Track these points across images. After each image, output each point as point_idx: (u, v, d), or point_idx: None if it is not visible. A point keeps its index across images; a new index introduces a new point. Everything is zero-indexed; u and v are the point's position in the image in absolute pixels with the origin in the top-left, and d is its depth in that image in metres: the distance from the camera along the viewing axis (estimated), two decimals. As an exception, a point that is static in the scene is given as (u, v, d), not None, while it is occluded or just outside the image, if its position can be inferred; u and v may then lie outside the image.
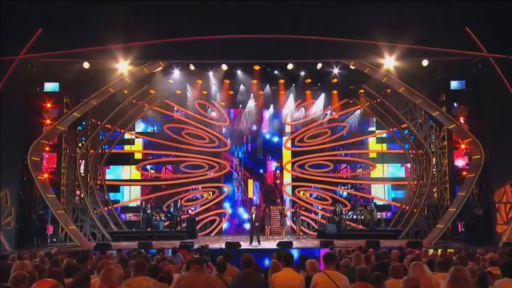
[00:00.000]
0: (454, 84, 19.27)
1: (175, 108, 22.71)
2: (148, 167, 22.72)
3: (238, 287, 5.63)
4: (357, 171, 22.87)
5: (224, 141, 22.83)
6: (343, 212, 20.24)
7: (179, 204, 20.44)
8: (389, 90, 20.68)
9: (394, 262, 6.72)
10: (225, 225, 22.43)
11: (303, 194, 22.61)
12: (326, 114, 23.01)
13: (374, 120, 22.54)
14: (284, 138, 22.98)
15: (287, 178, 22.89)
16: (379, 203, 21.63)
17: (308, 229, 21.93)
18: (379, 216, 20.95)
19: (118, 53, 16.25)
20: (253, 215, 17.76)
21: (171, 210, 20.01)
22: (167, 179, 22.75)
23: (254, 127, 22.95)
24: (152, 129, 22.85)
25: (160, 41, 16.04)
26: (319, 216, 22.37)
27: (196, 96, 22.20)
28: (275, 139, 23.03)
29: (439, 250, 11.73)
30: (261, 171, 22.87)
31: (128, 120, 21.47)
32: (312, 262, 5.95)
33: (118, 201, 21.97)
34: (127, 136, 22.21)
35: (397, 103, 20.58)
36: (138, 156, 22.54)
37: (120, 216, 21.63)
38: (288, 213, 21.48)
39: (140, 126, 22.68)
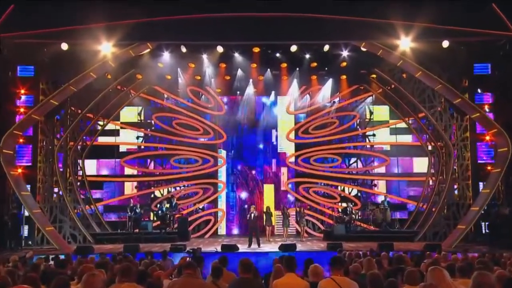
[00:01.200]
0: (478, 68, 19.24)
1: (165, 95, 22.69)
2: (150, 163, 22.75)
3: (235, 294, 5.62)
4: (369, 165, 22.91)
5: (220, 132, 22.85)
6: (353, 212, 20.27)
7: (173, 202, 20.47)
8: (404, 75, 20.65)
9: (410, 267, 6.77)
10: (222, 226, 22.55)
11: (308, 191, 22.67)
12: (334, 102, 23.00)
13: (388, 108, 22.53)
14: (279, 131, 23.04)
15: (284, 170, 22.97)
16: (393, 201, 21.71)
17: (314, 230, 22.01)
18: (393, 216, 21.01)
19: (100, 33, 16.15)
20: (252, 215, 17.79)
21: (163, 209, 20.02)
22: (156, 174, 22.82)
23: (253, 116, 23.05)
24: (139, 118, 22.89)
25: (148, 19, 15.94)
26: (326, 216, 22.42)
27: (189, 82, 22.17)
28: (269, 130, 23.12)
29: (461, 254, 11.73)
30: (254, 172, 22.94)
31: (112, 108, 21.44)
32: (317, 266, 5.93)
33: (101, 199, 22.04)
34: (111, 126, 22.25)
35: (413, 89, 20.55)
36: (124, 149, 22.61)
37: (104, 215, 21.70)
38: (292, 213, 21.51)
39: (125, 115, 22.72)
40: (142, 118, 22.82)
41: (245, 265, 5.74)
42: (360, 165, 23.05)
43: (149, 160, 22.83)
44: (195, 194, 22.61)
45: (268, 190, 22.94)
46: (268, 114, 23.07)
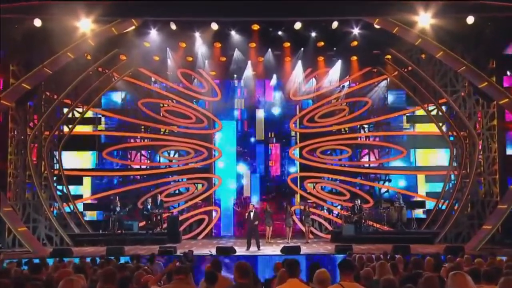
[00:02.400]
0: (507, 48, 19.16)
1: (153, 79, 22.65)
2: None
3: (232, 302, 5.63)
4: (383, 157, 22.94)
5: (215, 120, 22.86)
6: (364, 210, 20.30)
7: (158, 200, 20.52)
8: (423, 56, 20.59)
9: (428, 272, 6.74)
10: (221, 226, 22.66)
11: (314, 187, 22.68)
12: (343, 86, 22.98)
13: (404, 94, 22.50)
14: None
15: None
16: (410, 198, 21.77)
17: (320, 231, 22.07)
18: (410, 215, 21.05)
19: (78, 7, 16.04)
20: (251, 213, 17.82)
21: (148, 207, 20.05)
22: (142, 168, 22.76)
23: (253, 100, 23.11)
24: (123, 105, 22.85)
25: (133, -8, 15.92)
26: (334, 215, 22.47)
27: (179, 64, 22.12)
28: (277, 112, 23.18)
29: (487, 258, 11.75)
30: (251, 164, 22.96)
31: (93, 93, 21.38)
32: (323, 272, 5.92)
33: (81, 196, 22.06)
34: (90, 113, 22.23)
35: (433, 72, 20.51)
36: (106, 139, 22.64)
37: (84, 214, 21.72)
38: (296, 211, 21.60)
39: (108, 101, 22.68)
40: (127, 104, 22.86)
41: (242, 269, 5.72)
42: (372, 157, 23.06)
43: (134, 152, 22.83)
44: (187, 191, 22.65)
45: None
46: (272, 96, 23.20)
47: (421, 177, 22.63)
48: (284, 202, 21.04)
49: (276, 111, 23.25)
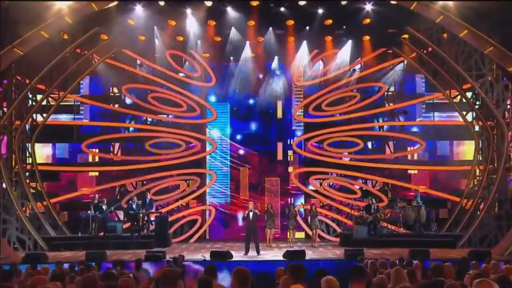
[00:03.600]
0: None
1: (138, 62, 22.60)
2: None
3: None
4: (399, 150, 22.90)
5: (209, 108, 22.83)
6: (378, 210, 20.29)
7: (147, 199, 20.52)
8: (445, 35, 20.46)
9: (450, 280, 6.75)
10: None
11: (321, 184, 22.67)
12: (354, 70, 22.94)
13: (423, 78, 22.39)
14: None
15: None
16: (429, 196, 21.72)
17: (328, 234, 22.12)
18: (429, 215, 20.98)
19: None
20: (251, 214, 17.80)
21: (134, 206, 20.03)
22: (127, 162, 22.75)
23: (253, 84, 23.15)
24: (104, 91, 22.81)
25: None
26: (344, 216, 22.48)
27: (168, 45, 22.09)
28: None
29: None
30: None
31: (70, 78, 21.29)
32: (331, 280, 5.90)
33: (57, 194, 22.04)
34: (67, 101, 22.17)
35: (457, 53, 20.34)
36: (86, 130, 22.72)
37: (61, 215, 21.67)
38: (300, 211, 21.61)
39: (87, 87, 22.64)
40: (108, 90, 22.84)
41: (241, 276, 5.71)
42: (387, 150, 23.04)
43: (117, 145, 22.82)
44: (177, 188, 22.61)
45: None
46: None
47: (442, 173, 22.64)
48: (289, 199, 21.05)
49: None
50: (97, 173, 22.85)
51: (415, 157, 23.20)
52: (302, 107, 23.18)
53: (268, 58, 22.88)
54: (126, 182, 22.52)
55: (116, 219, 21.59)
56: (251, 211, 17.86)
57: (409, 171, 22.96)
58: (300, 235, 21.95)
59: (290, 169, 23.19)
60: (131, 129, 23.26)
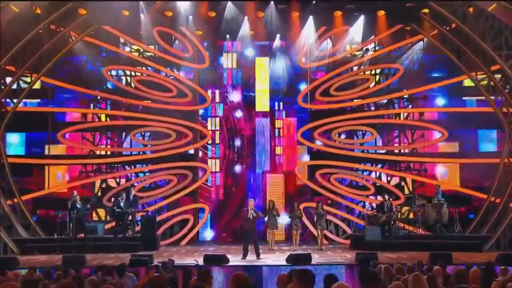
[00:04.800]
0: None
1: (121, 40, 22.56)
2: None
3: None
4: (418, 140, 22.83)
5: (202, 93, 22.76)
6: (393, 208, 20.21)
7: (131, 196, 20.43)
8: (471, 9, 20.43)
9: (475, 286, 6.66)
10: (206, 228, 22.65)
11: (329, 179, 22.59)
12: (367, 49, 22.92)
13: (446, 59, 22.20)
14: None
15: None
16: (451, 193, 21.63)
17: (337, 235, 22.10)
18: (452, 214, 20.81)
19: None
20: (251, 213, 17.67)
21: (120, 204, 19.91)
22: (109, 155, 22.72)
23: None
24: (83, 73, 22.62)
25: None
26: (355, 215, 22.47)
27: (155, 21, 22.02)
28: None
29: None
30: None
31: (44, 58, 21.16)
32: (342, 286, 5.85)
33: (31, 191, 21.95)
34: (41, 84, 22.09)
35: (484, 30, 20.30)
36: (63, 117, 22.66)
37: (36, 214, 21.61)
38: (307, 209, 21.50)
39: (63, 69, 22.49)
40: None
41: (239, 282, 5.71)
42: (404, 141, 22.99)
43: (99, 135, 22.75)
44: (167, 183, 22.59)
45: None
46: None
47: (466, 166, 22.48)
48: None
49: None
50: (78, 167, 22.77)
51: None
52: (308, 92, 23.04)
53: (269, 37, 22.83)
54: (108, 177, 22.43)
55: (96, 218, 21.47)
56: (251, 210, 17.75)
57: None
58: (279, 236, 21.74)
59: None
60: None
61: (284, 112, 23.75)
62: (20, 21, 19.04)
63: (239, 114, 23.54)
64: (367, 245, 18.60)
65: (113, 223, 20.27)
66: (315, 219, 20.25)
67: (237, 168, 23.47)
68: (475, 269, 9.01)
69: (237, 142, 23.54)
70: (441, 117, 22.92)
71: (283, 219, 21.32)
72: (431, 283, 7.41)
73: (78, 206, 19.52)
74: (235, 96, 23.65)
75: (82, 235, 19.39)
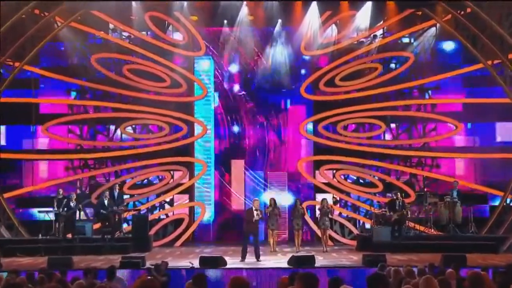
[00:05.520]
0: None
1: (111, 26, 22.56)
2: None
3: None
4: (430, 134, 22.80)
5: (198, 83, 22.75)
6: (404, 207, 20.17)
7: (115, 193, 20.42)
8: (487, -8, 20.40)
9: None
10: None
11: (334, 175, 22.60)
12: (375, 36, 22.89)
13: (460, 46, 22.31)
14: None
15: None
16: (465, 190, 21.54)
17: (343, 236, 22.11)
18: (466, 213, 20.74)
19: None
20: (257, 214, 17.50)
21: (104, 202, 19.92)
22: (98, 149, 22.73)
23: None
24: (69, 62, 22.63)
25: None
26: (361, 214, 22.50)
27: (148, 5, 22.01)
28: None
29: None
30: None
31: (27, 45, 21.18)
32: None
33: (14, 187, 21.98)
34: (24, 73, 22.04)
35: (502, 15, 20.36)
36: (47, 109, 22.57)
37: (18, 213, 21.65)
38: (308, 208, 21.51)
39: (48, 57, 22.56)
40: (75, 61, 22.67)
41: (238, 286, 5.75)
42: (415, 134, 22.96)
43: (86, 127, 22.75)
44: (159, 181, 22.63)
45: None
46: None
47: (481, 161, 22.59)
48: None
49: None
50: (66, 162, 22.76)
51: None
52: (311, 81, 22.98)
53: (269, 22, 22.81)
54: (96, 173, 22.48)
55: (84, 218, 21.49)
56: (256, 210, 17.62)
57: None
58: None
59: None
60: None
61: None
62: (1, 5, 18.99)
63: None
64: (375, 246, 18.57)
65: (100, 224, 20.23)
66: (319, 218, 20.22)
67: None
68: (493, 272, 9.00)
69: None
70: (455, 109, 22.84)
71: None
72: (443, 287, 7.40)
73: (71, 205, 19.50)
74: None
75: (70, 235, 19.34)
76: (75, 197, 19.89)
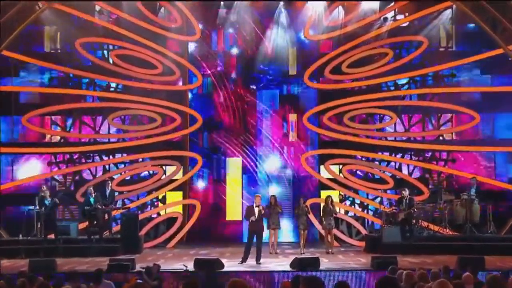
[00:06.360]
0: None
1: (97, 8, 22.50)
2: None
3: None
4: (445, 126, 22.84)
5: (192, 70, 22.77)
6: (416, 205, 20.17)
7: (107, 190, 20.42)
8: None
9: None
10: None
11: (340, 171, 22.64)
12: (386, 19, 22.82)
13: (478, 30, 22.23)
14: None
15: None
16: (484, 187, 21.57)
17: (350, 236, 22.15)
18: (484, 212, 20.78)
19: None
20: (256, 209, 17.40)
21: (91, 200, 19.91)
22: (83, 142, 22.76)
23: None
24: (52, 47, 22.72)
25: None
26: (370, 213, 22.55)
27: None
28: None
29: None
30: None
31: (6, 29, 21.11)
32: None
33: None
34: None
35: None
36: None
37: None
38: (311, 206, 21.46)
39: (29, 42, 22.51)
40: (58, 46, 22.66)
41: None
42: (429, 126, 22.99)
43: (71, 119, 22.76)
44: (150, 177, 22.63)
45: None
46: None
47: (500, 156, 22.68)
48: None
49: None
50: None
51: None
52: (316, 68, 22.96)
53: (271, 6, 22.89)
54: (82, 168, 22.51)
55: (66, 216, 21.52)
56: (257, 206, 17.60)
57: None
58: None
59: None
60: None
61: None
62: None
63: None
64: (385, 248, 18.54)
65: (86, 223, 20.19)
66: (323, 217, 20.16)
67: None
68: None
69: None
70: (472, 98, 22.86)
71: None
72: (460, 291, 7.39)
73: (46, 202, 19.46)
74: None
75: (53, 236, 19.34)
76: (48, 193, 19.86)
